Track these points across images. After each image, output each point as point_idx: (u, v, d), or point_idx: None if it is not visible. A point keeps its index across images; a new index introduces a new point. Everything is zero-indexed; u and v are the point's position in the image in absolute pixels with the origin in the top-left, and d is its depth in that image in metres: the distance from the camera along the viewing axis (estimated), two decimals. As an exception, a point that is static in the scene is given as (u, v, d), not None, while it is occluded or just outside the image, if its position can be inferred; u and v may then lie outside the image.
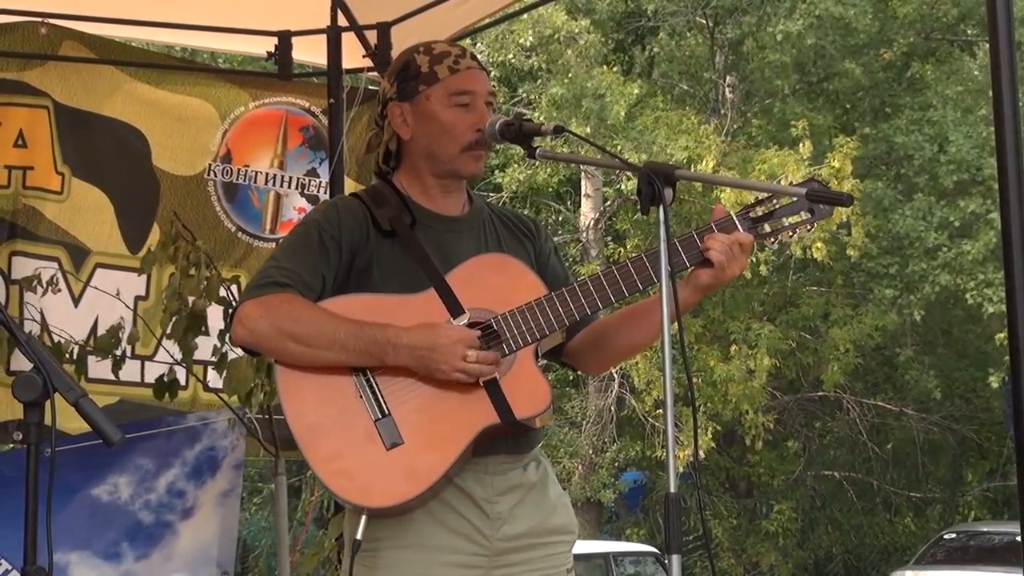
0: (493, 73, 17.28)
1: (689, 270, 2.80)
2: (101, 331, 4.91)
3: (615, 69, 17.63)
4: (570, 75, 16.79)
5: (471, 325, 2.74)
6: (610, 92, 16.69)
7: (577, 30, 17.08)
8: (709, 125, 17.60)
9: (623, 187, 17.26)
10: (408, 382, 2.72)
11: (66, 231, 4.98)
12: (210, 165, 5.18)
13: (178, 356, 4.70)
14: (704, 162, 16.52)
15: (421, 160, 2.90)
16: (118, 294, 4.96)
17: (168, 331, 4.74)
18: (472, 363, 2.67)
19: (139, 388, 5.01)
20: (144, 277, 5.03)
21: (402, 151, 2.93)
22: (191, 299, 4.63)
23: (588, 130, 16.37)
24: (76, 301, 4.97)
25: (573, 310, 2.76)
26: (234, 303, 4.70)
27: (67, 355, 4.76)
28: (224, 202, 5.18)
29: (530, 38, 16.91)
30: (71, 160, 4.99)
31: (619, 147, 16.59)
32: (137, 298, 5.01)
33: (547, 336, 2.77)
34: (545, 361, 2.94)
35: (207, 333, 4.70)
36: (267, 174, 5.25)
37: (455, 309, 2.75)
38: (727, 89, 19.32)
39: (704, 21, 19.02)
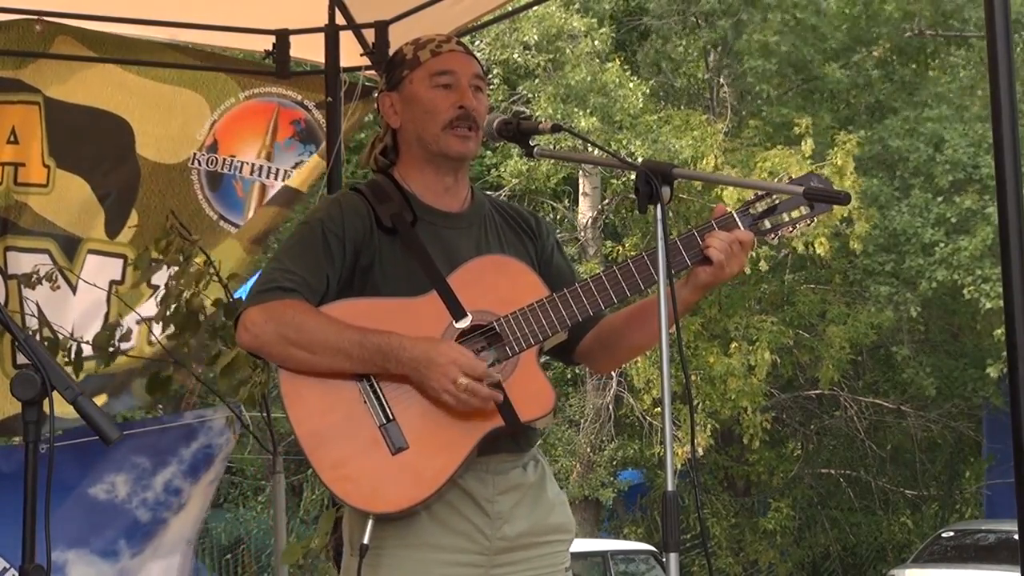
0: (495, 70, 17.27)
1: (689, 268, 2.80)
2: (95, 318, 4.93)
3: (621, 66, 17.63)
4: (577, 68, 16.77)
5: (473, 327, 2.74)
6: (618, 87, 16.71)
7: (583, 28, 17.07)
8: (711, 124, 17.61)
9: (629, 180, 17.26)
10: (412, 386, 2.72)
11: (52, 223, 4.99)
12: (195, 154, 5.18)
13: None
14: (705, 160, 16.54)
15: (414, 148, 2.90)
16: (116, 292, 4.97)
17: (163, 329, 4.77)
18: (461, 390, 2.64)
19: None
20: (120, 261, 5.05)
21: (398, 143, 2.94)
22: (187, 295, 4.66)
23: (595, 122, 16.36)
24: (74, 289, 4.98)
25: (576, 311, 2.76)
26: (229, 300, 4.74)
27: (64, 351, 4.77)
28: (207, 191, 5.18)
29: (535, 36, 16.89)
30: (56, 152, 5.00)
31: (626, 142, 16.60)
32: (112, 282, 5.02)
33: (549, 337, 2.77)
34: (546, 358, 2.94)
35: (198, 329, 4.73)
36: (253, 165, 5.24)
37: (457, 312, 2.74)
38: (721, 89, 19.34)
39: (695, 20, 19.05)
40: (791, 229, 2.82)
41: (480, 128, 2.86)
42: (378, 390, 2.72)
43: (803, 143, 16.62)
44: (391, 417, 2.70)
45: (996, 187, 3.37)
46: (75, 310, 4.95)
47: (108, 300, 5.00)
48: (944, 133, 17.57)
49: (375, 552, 2.71)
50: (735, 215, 2.79)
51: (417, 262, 2.79)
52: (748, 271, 16.69)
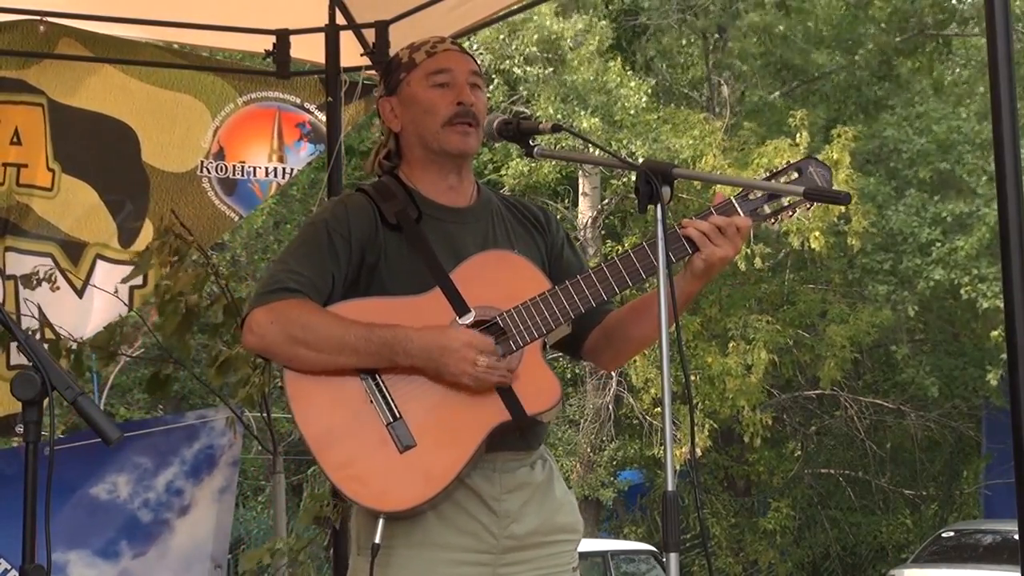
0: (496, 80, 17.27)
1: (690, 256, 2.80)
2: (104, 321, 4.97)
3: (619, 66, 17.64)
4: (579, 68, 16.77)
5: (477, 323, 2.74)
6: (619, 87, 16.71)
7: (580, 26, 17.07)
8: (709, 124, 17.62)
9: (629, 180, 17.27)
10: (417, 383, 2.72)
11: (56, 227, 4.99)
12: (202, 162, 5.19)
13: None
14: (704, 159, 16.54)
15: (416, 148, 2.91)
16: (116, 292, 4.98)
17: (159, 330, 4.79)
18: (482, 369, 2.67)
19: None
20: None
21: (400, 146, 2.95)
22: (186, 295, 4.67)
23: (597, 122, 16.35)
24: (80, 292, 4.99)
25: (578, 302, 2.76)
26: (229, 296, 4.75)
27: (64, 351, 4.78)
28: (223, 196, 5.19)
29: (533, 48, 16.87)
30: (61, 156, 5.01)
31: (626, 142, 16.59)
32: (133, 288, 5.03)
33: (553, 330, 2.77)
34: (557, 354, 2.93)
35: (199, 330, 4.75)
36: (267, 168, 5.26)
37: (460, 308, 2.75)
38: (720, 89, 19.34)
39: (694, 18, 19.06)
40: (790, 214, 2.82)
41: (480, 125, 2.86)
42: (383, 388, 2.72)
43: (798, 135, 16.62)
44: (398, 415, 2.70)
45: (996, 187, 3.37)
46: (82, 314, 4.95)
47: (130, 305, 5.02)
48: (935, 127, 17.64)
49: (384, 552, 2.71)
50: (734, 201, 2.80)
51: (422, 259, 2.79)
52: (744, 268, 16.69)
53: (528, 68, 17.09)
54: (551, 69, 17.08)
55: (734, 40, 18.45)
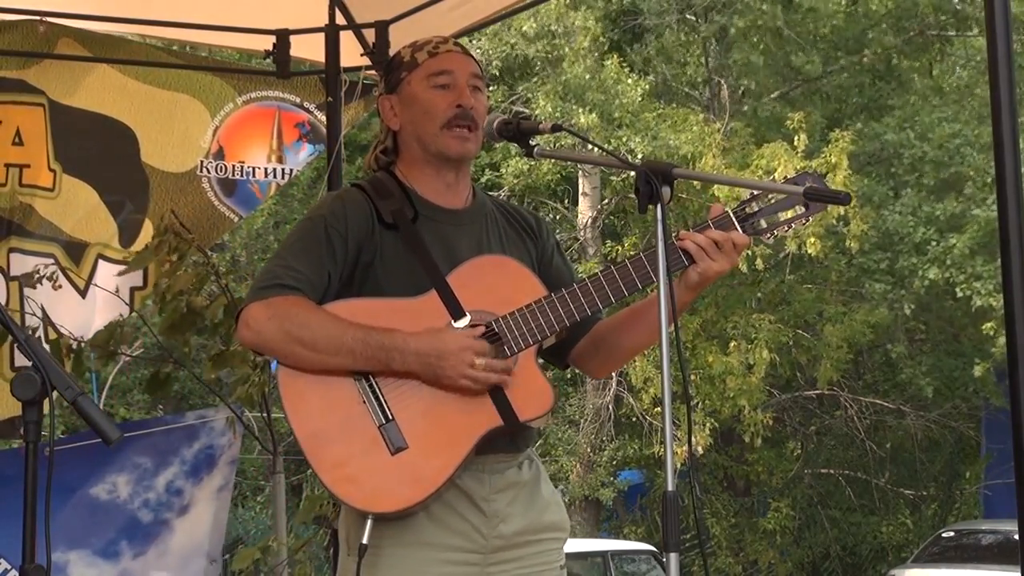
0: (495, 63, 17.25)
1: (685, 269, 2.80)
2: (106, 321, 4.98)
3: (616, 63, 17.64)
4: (575, 63, 16.76)
5: (472, 327, 2.74)
6: (616, 83, 16.71)
7: (580, 22, 17.06)
8: (709, 124, 17.62)
9: (629, 179, 17.25)
10: (411, 386, 2.72)
11: (59, 227, 5.00)
12: (202, 162, 5.19)
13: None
14: (704, 159, 16.54)
15: (413, 148, 2.91)
16: (117, 291, 4.98)
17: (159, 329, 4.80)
18: (480, 371, 2.67)
19: None
20: (139, 270, 5.06)
21: (398, 144, 2.95)
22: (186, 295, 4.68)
23: (595, 119, 16.34)
24: (83, 293, 4.99)
25: (573, 310, 2.76)
26: (228, 294, 4.76)
27: (65, 351, 4.78)
28: (222, 197, 5.19)
29: (533, 25, 16.86)
30: (62, 157, 5.01)
31: (625, 139, 16.59)
32: (133, 289, 5.04)
33: (548, 337, 2.78)
34: (542, 361, 2.94)
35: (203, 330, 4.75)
36: (265, 168, 5.26)
37: (456, 311, 2.75)
38: (721, 88, 19.34)
39: (694, 18, 19.07)
40: (787, 229, 2.82)
41: (480, 127, 2.87)
42: (377, 390, 2.72)
43: (796, 138, 16.63)
44: (390, 417, 2.70)
45: (996, 187, 3.38)
46: (85, 315, 4.96)
47: (131, 306, 5.03)
48: (935, 130, 17.66)
49: (373, 551, 2.71)
50: (731, 215, 2.80)
51: (417, 259, 2.79)
52: (745, 269, 16.70)
53: (527, 46, 17.05)
54: (548, 51, 17.04)
55: (735, 43, 18.43)
